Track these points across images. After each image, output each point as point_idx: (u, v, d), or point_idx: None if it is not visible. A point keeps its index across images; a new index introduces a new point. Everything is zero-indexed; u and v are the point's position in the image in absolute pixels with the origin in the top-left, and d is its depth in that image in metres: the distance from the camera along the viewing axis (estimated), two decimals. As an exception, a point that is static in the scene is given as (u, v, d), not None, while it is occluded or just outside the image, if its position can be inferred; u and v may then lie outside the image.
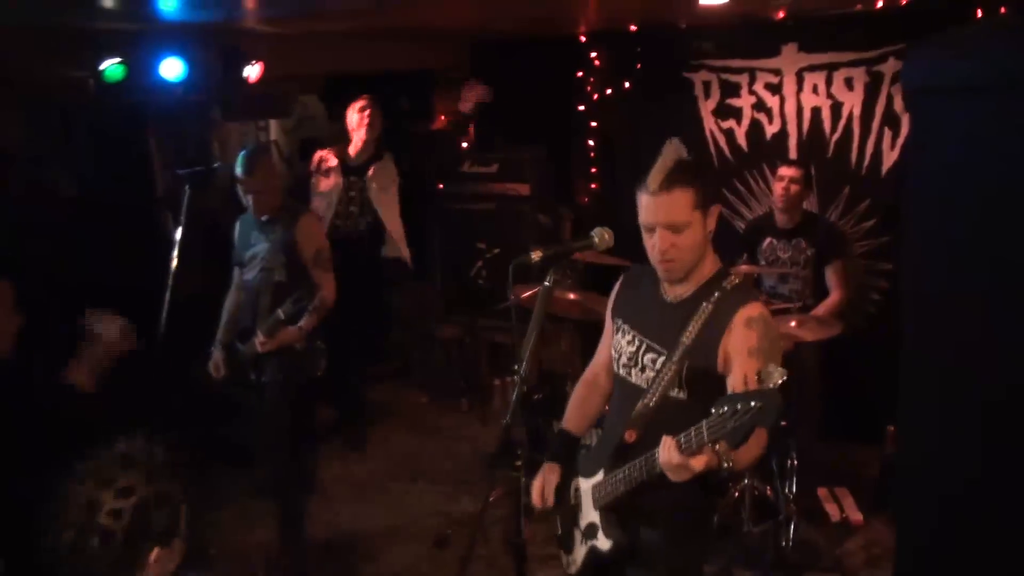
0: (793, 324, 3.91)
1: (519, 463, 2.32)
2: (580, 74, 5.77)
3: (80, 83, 4.02)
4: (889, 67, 4.72)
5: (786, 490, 4.03)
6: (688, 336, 2.21)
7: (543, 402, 4.47)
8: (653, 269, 2.31)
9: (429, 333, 6.29)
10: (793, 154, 5.07)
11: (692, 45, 5.33)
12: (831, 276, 4.39)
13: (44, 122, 4.66)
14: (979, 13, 4.20)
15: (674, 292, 2.31)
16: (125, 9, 3.45)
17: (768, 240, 4.51)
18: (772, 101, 5.14)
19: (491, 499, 3.89)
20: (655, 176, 2.17)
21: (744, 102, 5.23)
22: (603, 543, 2.35)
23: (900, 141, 4.81)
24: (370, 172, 5.14)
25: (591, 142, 5.87)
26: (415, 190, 5.60)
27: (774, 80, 5.10)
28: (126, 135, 5.08)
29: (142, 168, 5.20)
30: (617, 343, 2.42)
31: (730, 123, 5.32)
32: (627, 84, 5.61)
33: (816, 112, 5.01)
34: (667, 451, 1.99)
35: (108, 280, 4.65)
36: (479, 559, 3.93)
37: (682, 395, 2.23)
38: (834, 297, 4.36)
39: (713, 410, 1.87)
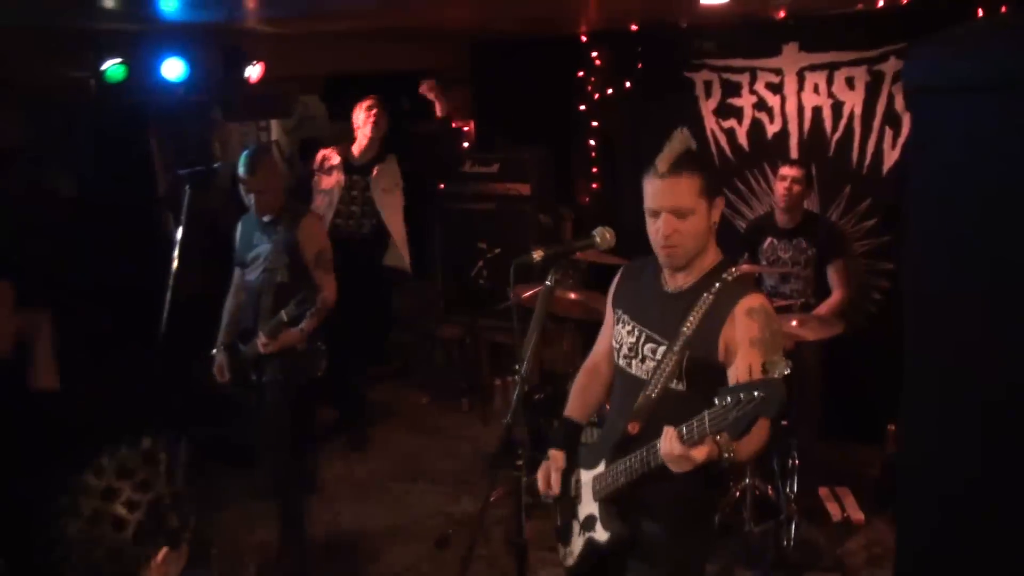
0: (794, 323, 3.90)
1: (520, 463, 2.32)
2: (581, 74, 5.77)
3: (81, 83, 4.03)
4: (890, 66, 4.72)
5: (787, 489, 4.03)
6: (689, 326, 2.21)
7: (545, 402, 4.46)
8: (654, 260, 2.32)
9: (430, 333, 6.29)
10: (794, 153, 5.07)
11: (693, 45, 5.33)
12: (832, 275, 4.39)
13: (45, 122, 4.67)
14: (980, 12, 4.21)
15: (675, 283, 2.31)
16: (126, 9, 3.46)
17: (769, 240, 4.51)
18: (773, 100, 5.13)
19: (492, 499, 3.89)
20: (664, 160, 2.18)
21: (745, 101, 5.23)
22: (601, 535, 2.34)
23: (901, 140, 4.80)
24: (374, 173, 5.14)
25: (592, 142, 5.87)
26: (416, 190, 5.60)
27: (775, 79, 5.10)
28: (127, 135, 5.09)
29: (143, 168, 5.21)
30: (618, 334, 2.42)
31: (731, 122, 5.31)
32: (628, 84, 5.61)
33: (817, 111, 5.01)
34: (668, 442, 1.99)
35: (108, 280, 4.67)
36: (480, 559, 3.93)
37: (682, 386, 2.23)
38: (835, 296, 4.36)
39: (716, 400, 1.87)
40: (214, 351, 4.01)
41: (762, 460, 4.03)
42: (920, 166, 2.55)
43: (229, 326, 4.05)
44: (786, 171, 4.42)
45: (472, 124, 6.48)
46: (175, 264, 4.20)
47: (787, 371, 1.81)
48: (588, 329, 4.36)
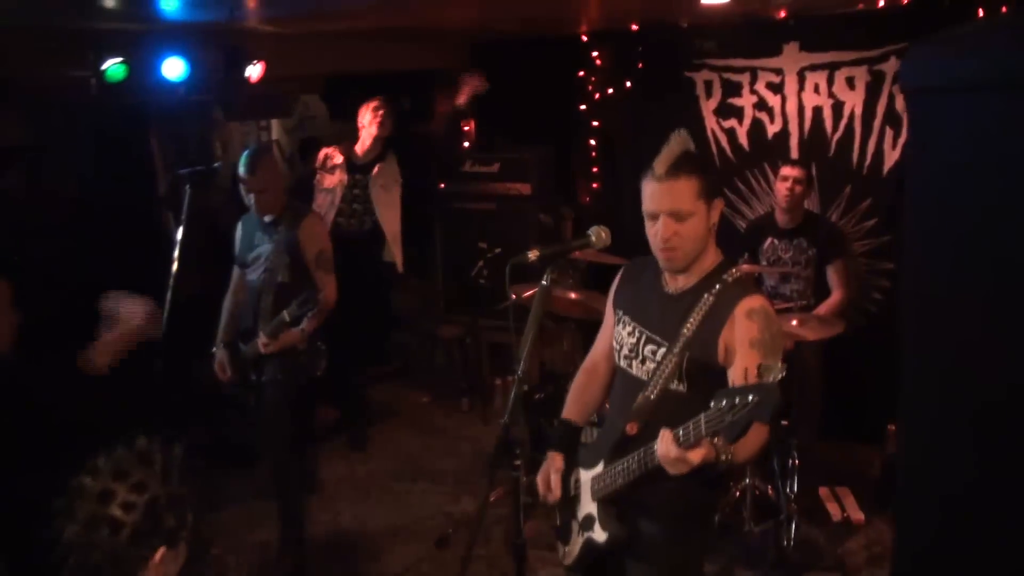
0: (795, 323, 3.90)
1: (518, 463, 2.32)
2: (581, 73, 5.77)
3: (82, 83, 4.03)
4: (891, 66, 4.71)
5: (787, 489, 4.03)
6: (689, 328, 2.21)
7: (544, 402, 4.46)
8: (655, 261, 2.31)
9: (430, 333, 6.29)
10: (795, 153, 5.07)
11: (694, 44, 5.32)
12: (832, 275, 4.39)
13: (46, 122, 4.67)
14: (980, 12, 4.20)
15: (675, 284, 2.31)
16: (127, 9, 3.46)
17: (769, 240, 4.51)
18: (774, 100, 5.13)
19: (492, 499, 3.90)
20: (662, 162, 2.18)
21: (745, 101, 5.23)
22: (599, 535, 2.34)
23: (901, 140, 4.80)
24: (375, 171, 5.16)
25: (592, 141, 5.87)
26: (416, 190, 5.61)
27: (775, 79, 5.10)
28: (128, 135, 5.09)
29: (143, 168, 5.21)
30: (618, 334, 2.42)
31: (731, 122, 5.31)
32: (628, 83, 5.61)
33: (817, 111, 5.00)
34: (665, 444, 1.99)
35: (108, 280, 4.66)
36: (480, 559, 3.93)
37: (682, 388, 2.23)
38: (835, 296, 4.36)
39: (712, 403, 1.87)
40: (214, 349, 4.01)
41: (762, 460, 4.03)
42: (918, 167, 2.54)
43: (228, 324, 4.05)
44: (788, 171, 4.41)
45: (472, 124, 6.47)
46: (175, 264, 4.21)
47: (782, 375, 1.81)
48: (588, 329, 4.36)
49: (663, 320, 2.28)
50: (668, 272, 2.32)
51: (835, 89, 4.92)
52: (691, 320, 2.21)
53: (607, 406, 2.65)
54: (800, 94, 5.04)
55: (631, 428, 2.26)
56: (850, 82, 4.87)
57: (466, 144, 6.26)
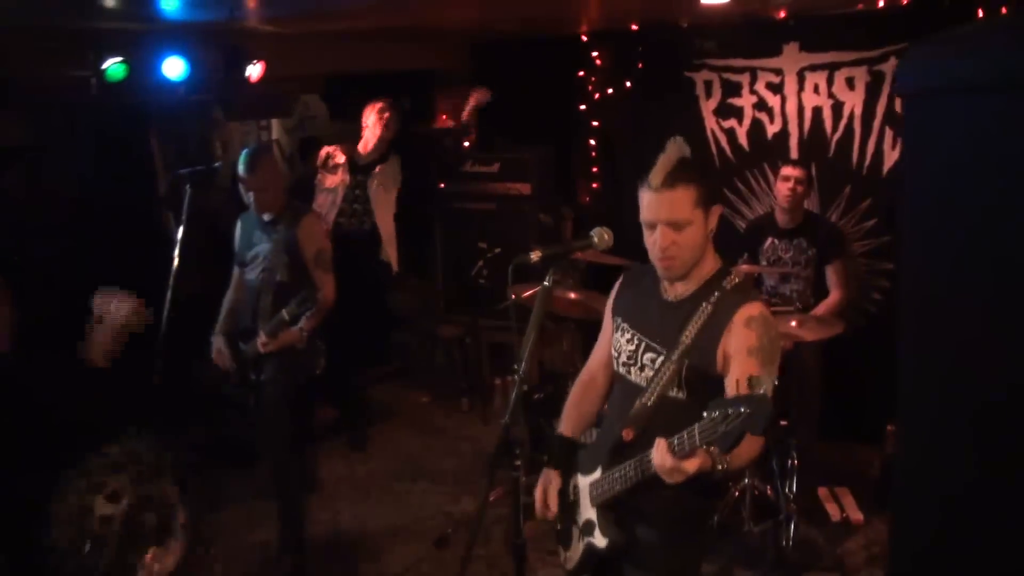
0: (793, 324, 3.91)
1: (518, 463, 2.32)
2: (581, 73, 5.77)
3: (82, 83, 4.03)
4: (890, 66, 4.72)
5: (786, 489, 4.03)
6: (687, 335, 2.21)
7: (544, 401, 4.47)
8: (654, 268, 2.31)
9: (430, 333, 6.29)
10: (794, 154, 5.07)
11: (693, 44, 5.33)
12: (832, 276, 4.39)
13: (46, 122, 4.67)
14: (980, 13, 4.20)
15: (674, 291, 2.31)
16: (127, 9, 3.46)
17: (769, 240, 4.51)
18: (773, 100, 5.14)
19: (491, 499, 3.90)
20: (658, 173, 2.16)
21: (745, 101, 5.23)
22: (599, 541, 2.35)
23: (901, 140, 4.81)
24: (376, 171, 5.17)
25: (592, 142, 5.87)
26: (416, 190, 5.61)
27: (775, 80, 5.10)
28: (128, 135, 5.09)
29: (143, 168, 5.21)
30: (617, 342, 2.42)
31: (731, 122, 5.31)
32: (628, 83, 5.61)
33: (817, 112, 5.01)
34: (660, 453, 2.00)
35: (108, 280, 4.66)
36: (479, 559, 3.94)
37: (681, 395, 2.23)
38: (834, 296, 4.36)
39: (705, 414, 1.87)
40: (212, 338, 3.99)
41: (761, 460, 4.02)
42: (915, 169, 2.54)
43: (227, 318, 4.03)
44: (789, 171, 4.42)
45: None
46: (175, 264, 4.21)
47: (774, 384, 1.82)
48: (587, 329, 4.37)
49: (662, 327, 2.28)
50: (666, 280, 2.32)
51: (835, 89, 4.93)
52: (690, 328, 2.21)
53: (606, 407, 2.65)
54: (800, 94, 5.04)
55: (627, 434, 2.26)
56: (850, 82, 4.88)
57: (466, 144, 6.26)
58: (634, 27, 5.44)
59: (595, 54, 5.70)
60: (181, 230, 4.23)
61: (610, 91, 5.71)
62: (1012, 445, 2.39)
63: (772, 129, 5.18)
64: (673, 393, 2.23)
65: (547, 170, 5.88)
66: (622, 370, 2.39)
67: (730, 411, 1.81)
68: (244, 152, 3.84)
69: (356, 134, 5.20)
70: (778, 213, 4.51)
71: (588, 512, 2.40)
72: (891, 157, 4.85)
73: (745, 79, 5.20)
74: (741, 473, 3.93)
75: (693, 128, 5.32)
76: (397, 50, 5.82)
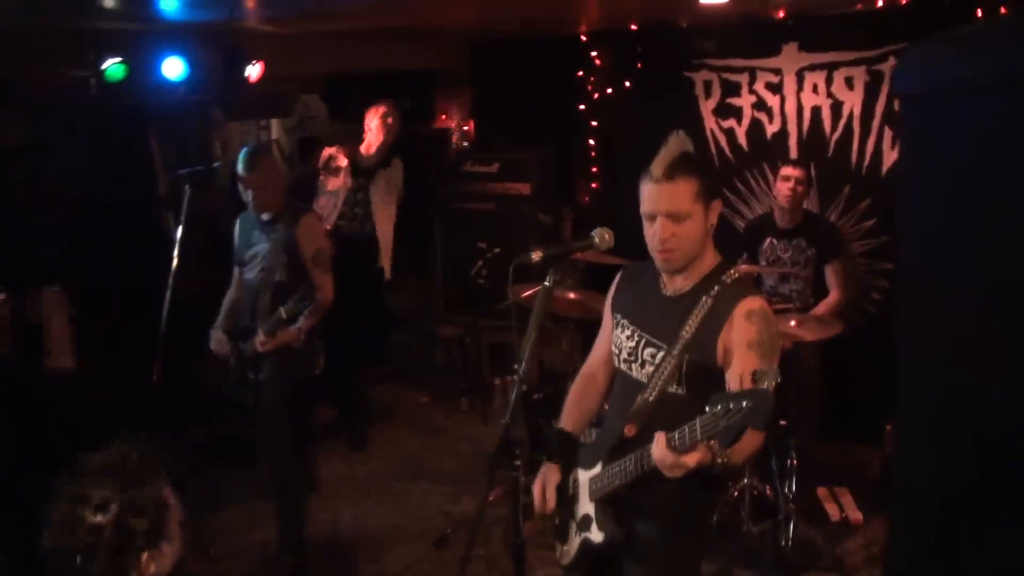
0: (793, 323, 3.91)
1: (518, 463, 2.32)
2: (581, 73, 5.77)
3: (81, 83, 4.03)
4: (889, 66, 4.71)
5: (786, 489, 4.03)
6: (688, 330, 2.21)
7: (544, 401, 4.47)
8: (652, 264, 2.31)
9: (430, 333, 6.29)
10: (794, 154, 5.08)
11: (693, 44, 5.33)
12: (830, 276, 4.40)
13: (46, 122, 4.67)
14: (979, 13, 4.21)
15: (674, 286, 2.31)
16: (126, 9, 3.46)
17: (768, 240, 4.52)
18: (772, 100, 5.14)
19: (491, 499, 3.90)
20: (659, 164, 2.17)
21: (744, 101, 5.23)
22: (596, 535, 2.34)
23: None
24: (378, 175, 5.19)
25: (592, 141, 5.87)
26: (416, 190, 5.62)
27: (774, 79, 5.10)
28: (127, 135, 5.09)
29: (143, 168, 5.21)
30: (617, 338, 2.42)
31: (730, 122, 5.32)
32: (628, 83, 5.61)
33: (816, 111, 5.01)
34: (660, 448, 2.00)
35: (108, 280, 4.67)
36: (479, 559, 3.94)
37: (681, 390, 2.23)
38: (834, 296, 4.36)
39: (707, 408, 1.87)
40: (211, 331, 3.97)
41: (760, 460, 4.03)
42: (914, 169, 2.55)
43: (227, 315, 4.02)
44: (789, 171, 4.42)
45: (472, 124, 6.48)
46: (174, 264, 4.20)
47: (778, 379, 1.82)
48: (587, 329, 4.37)
49: (662, 323, 2.28)
50: (666, 273, 2.31)
51: (834, 89, 4.93)
52: (690, 322, 2.21)
53: (606, 407, 2.65)
54: (799, 94, 5.04)
55: (629, 430, 2.26)
56: (849, 82, 4.88)
57: (465, 144, 6.27)
58: (633, 27, 5.45)
59: (594, 54, 5.71)
60: (180, 230, 4.23)
61: (609, 91, 5.71)
62: (1011, 445, 2.40)
63: (771, 129, 5.18)
64: (673, 389, 2.23)
65: (547, 170, 5.88)
66: (623, 367, 2.39)
67: (732, 405, 1.81)
68: (243, 151, 3.84)
69: (356, 134, 5.21)
70: (777, 213, 4.51)
71: (586, 507, 2.40)
72: (890, 157, 4.85)
73: (744, 79, 5.21)
74: (740, 472, 3.93)
75: (692, 128, 5.31)
76: (397, 50, 5.82)
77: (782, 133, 5.14)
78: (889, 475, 4.15)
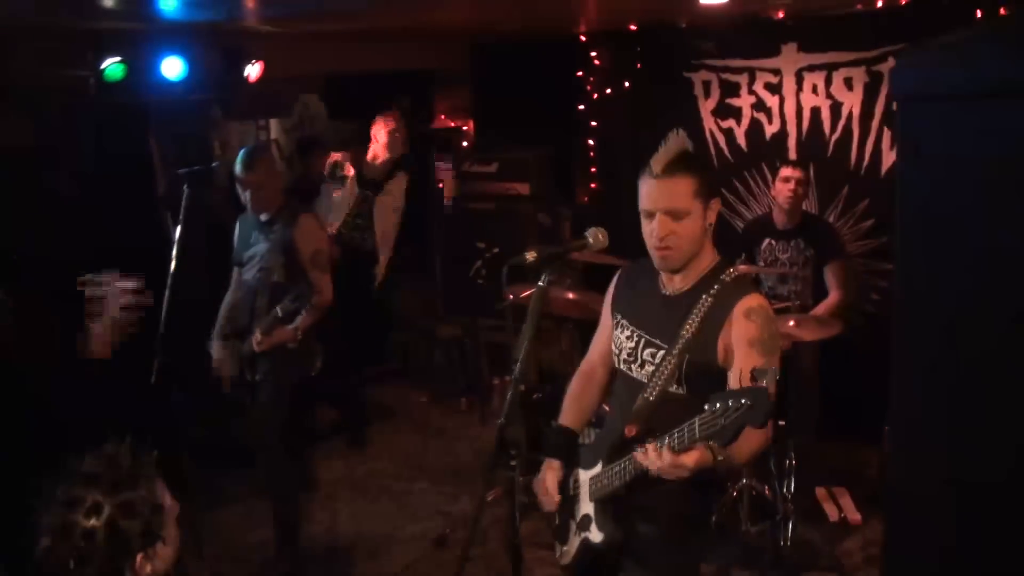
0: (792, 324, 3.91)
1: (514, 463, 2.32)
2: (580, 74, 5.78)
3: (81, 82, 4.03)
4: (889, 67, 4.70)
5: (784, 490, 4.03)
6: (687, 330, 2.20)
7: (542, 402, 4.47)
8: (652, 263, 2.30)
9: (429, 333, 6.30)
10: (793, 154, 5.07)
11: (692, 45, 5.33)
12: (829, 276, 4.39)
13: (45, 122, 4.67)
14: (979, 13, 4.21)
15: (673, 285, 2.30)
16: (125, 8, 3.46)
17: (767, 241, 4.51)
18: (772, 101, 5.14)
19: (488, 499, 3.90)
20: (658, 161, 2.17)
21: (744, 102, 5.23)
22: (595, 536, 2.34)
23: (899, 141, 4.81)
24: (383, 189, 5.24)
25: (591, 142, 5.87)
26: (416, 190, 5.63)
27: (774, 80, 5.10)
28: (127, 134, 5.09)
29: (143, 168, 5.21)
30: (617, 339, 2.41)
31: (730, 123, 5.32)
32: (627, 84, 5.61)
33: (815, 112, 5.01)
34: (650, 458, 1.99)
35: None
36: (477, 559, 3.93)
37: (681, 390, 2.22)
38: (833, 297, 4.36)
39: (706, 407, 1.87)
40: (209, 343, 3.99)
41: (759, 460, 4.03)
42: (911, 172, 2.54)
43: (225, 322, 4.03)
44: (789, 172, 4.41)
45: (471, 124, 6.49)
46: (173, 264, 4.20)
47: (777, 377, 1.81)
48: (586, 328, 4.38)
49: (661, 323, 2.27)
50: (663, 272, 2.31)
51: (833, 90, 4.93)
52: (689, 322, 2.21)
53: (606, 408, 2.65)
54: (798, 95, 5.04)
55: (630, 430, 2.25)
56: (848, 83, 4.88)
57: (465, 144, 6.28)
58: (633, 27, 5.45)
59: (594, 54, 5.71)
60: (179, 230, 4.23)
61: (609, 91, 5.71)
62: (1004, 445, 2.40)
63: (770, 129, 5.18)
64: (674, 388, 2.23)
65: (546, 170, 5.89)
66: (623, 367, 2.38)
67: (730, 404, 1.81)
68: (241, 151, 3.84)
69: (355, 134, 5.23)
70: (776, 214, 4.51)
71: (586, 507, 2.39)
72: (889, 158, 4.84)
73: (743, 79, 5.20)
74: (739, 472, 3.93)
75: (691, 128, 5.32)
76: (397, 50, 5.82)
77: (781, 134, 5.14)
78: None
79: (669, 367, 2.21)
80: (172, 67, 4.23)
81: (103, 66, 3.96)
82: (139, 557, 1.68)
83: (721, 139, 5.35)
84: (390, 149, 5.13)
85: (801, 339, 3.87)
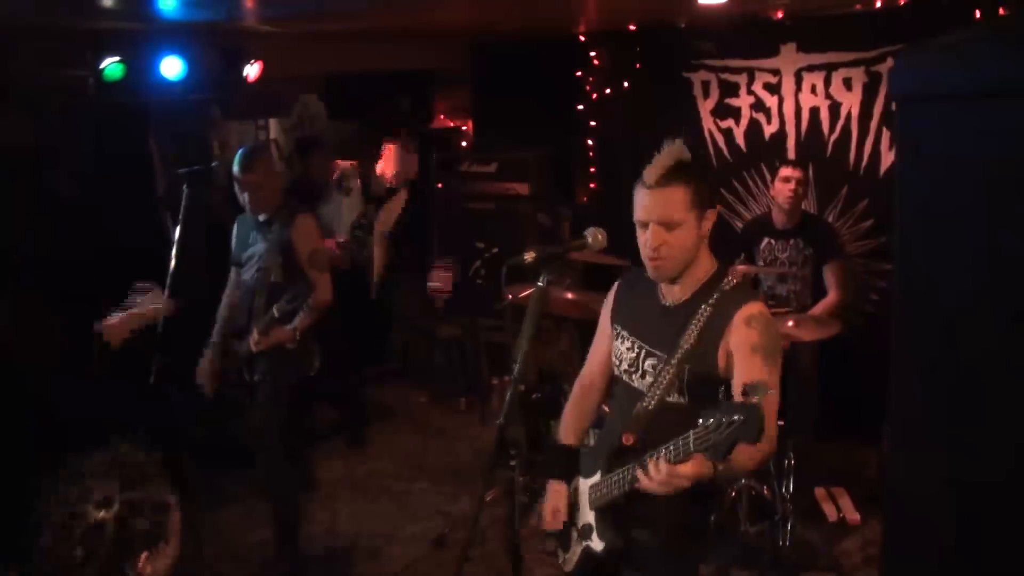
0: (790, 324, 3.91)
1: (514, 463, 2.32)
2: (579, 74, 5.78)
3: (80, 82, 4.03)
4: (888, 67, 4.71)
5: (783, 490, 4.03)
6: (687, 340, 2.19)
7: (542, 401, 4.47)
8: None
9: (429, 333, 6.30)
10: (792, 154, 5.08)
11: (691, 45, 5.33)
12: (828, 276, 4.39)
13: (45, 122, 4.67)
14: (978, 14, 4.21)
15: (672, 296, 2.29)
16: (125, 8, 3.46)
17: (766, 240, 4.52)
18: (771, 101, 5.14)
19: (488, 499, 3.90)
20: (652, 171, 2.16)
21: (743, 102, 5.23)
22: (597, 544, 2.34)
23: (898, 141, 4.81)
24: (384, 207, 5.39)
25: (590, 142, 5.88)
26: (413, 196, 5.68)
27: (773, 80, 5.11)
28: (126, 134, 5.09)
29: (142, 167, 5.21)
30: (617, 349, 2.41)
31: (729, 123, 5.32)
32: (626, 84, 5.62)
33: (814, 112, 5.01)
34: (649, 473, 1.99)
35: (107, 279, 4.65)
36: (476, 559, 3.93)
37: (682, 400, 2.22)
38: (831, 297, 4.36)
39: (700, 420, 1.86)
40: (205, 350, 3.99)
41: (758, 460, 4.03)
42: (909, 172, 2.55)
43: (222, 325, 4.03)
44: (789, 172, 4.41)
45: (471, 124, 6.49)
46: (172, 263, 4.20)
47: (770, 392, 1.81)
48: (585, 329, 4.38)
49: (661, 333, 2.27)
50: (657, 281, 2.30)
51: (832, 90, 4.93)
52: (689, 332, 2.20)
53: (605, 408, 2.65)
54: (797, 95, 5.04)
55: (627, 439, 2.24)
56: (847, 83, 4.88)
57: (464, 144, 6.29)
58: (632, 27, 5.45)
59: (593, 54, 5.71)
60: (178, 230, 4.23)
61: (608, 91, 5.71)
62: (1002, 445, 2.40)
63: (769, 130, 5.18)
64: (673, 398, 2.22)
65: (545, 170, 5.89)
66: (624, 377, 2.38)
67: (723, 419, 1.80)
68: (239, 152, 3.83)
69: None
70: (775, 213, 4.51)
71: (587, 515, 2.40)
72: (888, 158, 4.85)
73: (743, 79, 5.21)
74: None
75: (691, 128, 5.33)
76: (396, 50, 5.82)
77: (780, 134, 5.15)
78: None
79: (668, 377, 2.21)
80: (171, 67, 4.23)
81: (102, 66, 3.96)
82: (143, 556, 1.68)
83: (720, 139, 5.36)
84: (400, 175, 5.32)
85: (800, 339, 3.87)
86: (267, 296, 3.75)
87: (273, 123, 6.78)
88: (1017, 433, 2.40)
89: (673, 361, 2.20)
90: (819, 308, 4.30)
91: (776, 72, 5.08)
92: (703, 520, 2.47)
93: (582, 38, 5.72)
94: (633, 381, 2.34)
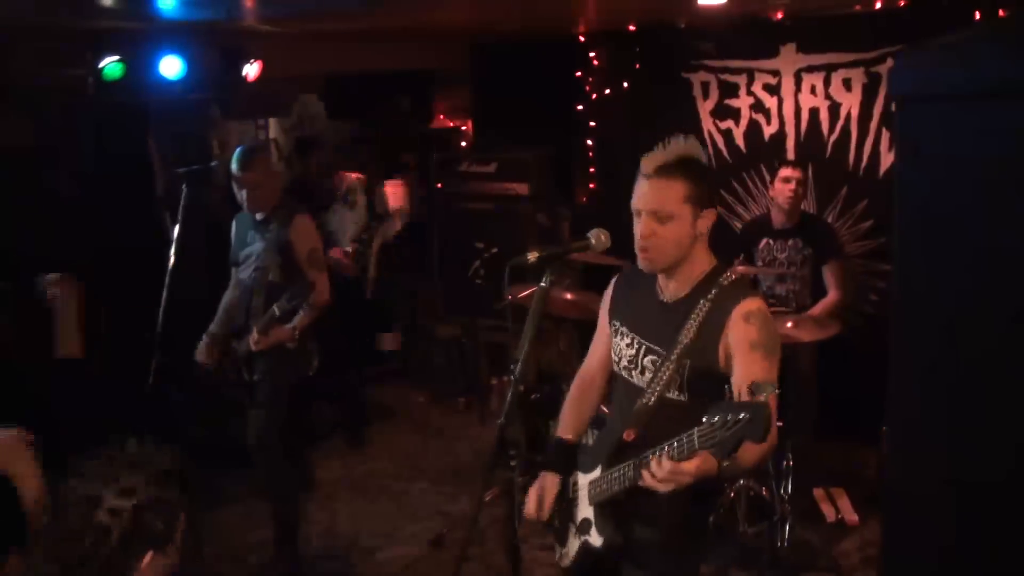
0: (790, 325, 3.91)
1: (514, 463, 2.32)
2: (579, 74, 5.78)
3: (80, 82, 4.03)
4: (887, 68, 4.71)
5: (782, 490, 4.03)
6: (686, 335, 2.19)
7: (542, 402, 4.47)
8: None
9: (428, 333, 6.30)
10: (791, 155, 5.08)
11: (691, 45, 5.34)
12: (828, 276, 4.39)
13: (45, 122, 4.67)
14: (978, 15, 4.21)
15: (670, 292, 2.29)
16: (124, 8, 3.46)
17: (765, 241, 4.52)
18: (770, 102, 5.14)
19: (487, 499, 3.90)
20: (652, 161, 2.16)
21: (742, 103, 5.24)
22: (595, 539, 2.34)
23: (898, 142, 4.81)
24: (384, 225, 5.54)
25: (590, 142, 5.88)
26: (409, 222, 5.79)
27: (772, 81, 5.11)
28: (126, 134, 5.09)
29: (142, 167, 5.21)
30: (616, 346, 2.40)
31: (728, 123, 5.32)
32: (626, 84, 5.62)
33: (814, 113, 5.01)
34: (652, 471, 1.98)
35: (107, 279, 4.66)
36: (475, 559, 3.93)
37: (682, 397, 2.21)
38: (831, 297, 4.36)
39: (705, 418, 1.85)
40: (205, 334, 3.99)
41: (757, 461, 4.03)
42: (909, 173, 2.55)
43: (222, 317, 4.02)
44: (789, 173, 4.41)
45: (471, 124, 6.49)
46: (171, 263, 4.20)
47: (775, 391, 1.80)
48: (585, 329, 4.38)
49: (660, 329, 2.26)
50: (650, 274, 2.29)
51: (832, 91, 4.93)
52: (687, 327, 2.19)
53: (604, 409, 2.65)
54: (797, 95, 5.05)
55: (628, 435, 2.24)
56: (847, 84, 4.88)
57: (464, 144, 6.29)
58: (631, 28, 5.45)
59: (593, 55, 5.71)
60: (177, 229, 4.23)
61: (608, 92, 5.71)
62: (1001, 445, 2.40)
63: (769, 130, 5.18)
64: (672, 395, 2.22)
65: (545, 170, 5.89)
66: (624, 373, 2.37)
67: (729, 417, 1.79)
68: (238, 150, 3.82)
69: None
70: (774, 214, 4.51)
71: (586, 510, 2.39)
72: (888, 158, 4.85)
73: (742, 80, 5.21)
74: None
75: (690, 129, 5.24)
76: (396, 50, 5.83)
77: (780, 134, 5.15)
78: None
79: (667, 373, 2.20)
80: (171, 66, 4.23)
81: (102, 65, 3.97)
82: (148, 555, 1.68)
83: (720, 140, 5.36)
84: (398, 212, 5.58)
85: (799, 340, 3.87)
86: (265, 295, 3.75)
87: (273, 123, 6.78)
88: (1017, 433, 2.40)
89: (673, 357, 2.20)
90: (818, 308, 4.30)
91: (776, 73, 5.09)
92: (703, 518, 2.46)
93: (582, 38, 5.72)
94: (633, 377, 2.34)
